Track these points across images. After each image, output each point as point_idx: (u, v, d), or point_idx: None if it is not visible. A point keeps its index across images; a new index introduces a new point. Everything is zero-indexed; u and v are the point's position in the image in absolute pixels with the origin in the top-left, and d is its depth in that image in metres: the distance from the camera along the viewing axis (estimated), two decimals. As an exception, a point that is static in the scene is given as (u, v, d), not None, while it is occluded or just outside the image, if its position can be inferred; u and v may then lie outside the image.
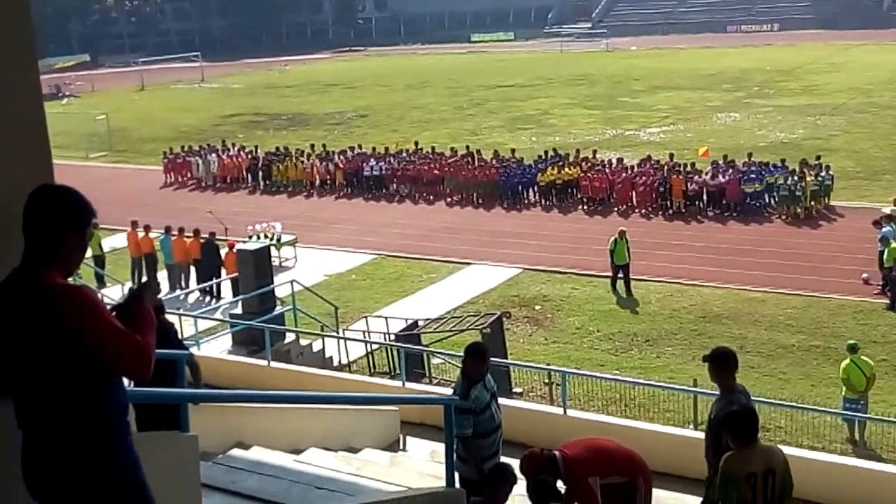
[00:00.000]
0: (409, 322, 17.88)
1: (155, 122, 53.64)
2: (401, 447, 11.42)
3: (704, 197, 28.02)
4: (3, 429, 3.61)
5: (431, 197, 31.78)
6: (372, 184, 33.11)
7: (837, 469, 10.39)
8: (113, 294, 20.28)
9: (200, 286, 22.69)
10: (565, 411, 11.87)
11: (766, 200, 27.72)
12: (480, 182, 30.90)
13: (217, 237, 23.07)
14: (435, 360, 16.77)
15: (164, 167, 37.65)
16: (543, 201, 30.18)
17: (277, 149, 37.14)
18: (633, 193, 28.77)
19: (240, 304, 17.75)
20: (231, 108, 58.05)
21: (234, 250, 19.91)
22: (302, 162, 34.91)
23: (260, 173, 35.55)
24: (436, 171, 32.12)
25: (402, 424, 11.64)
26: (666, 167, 29.09)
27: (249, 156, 36.63)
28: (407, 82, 65.61)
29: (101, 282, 22.57)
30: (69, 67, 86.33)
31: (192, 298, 22.58)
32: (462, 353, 7.75)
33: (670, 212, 27.96)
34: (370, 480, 8.48)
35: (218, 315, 19.48)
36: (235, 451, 8.94)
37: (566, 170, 30.15)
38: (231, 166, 36.10)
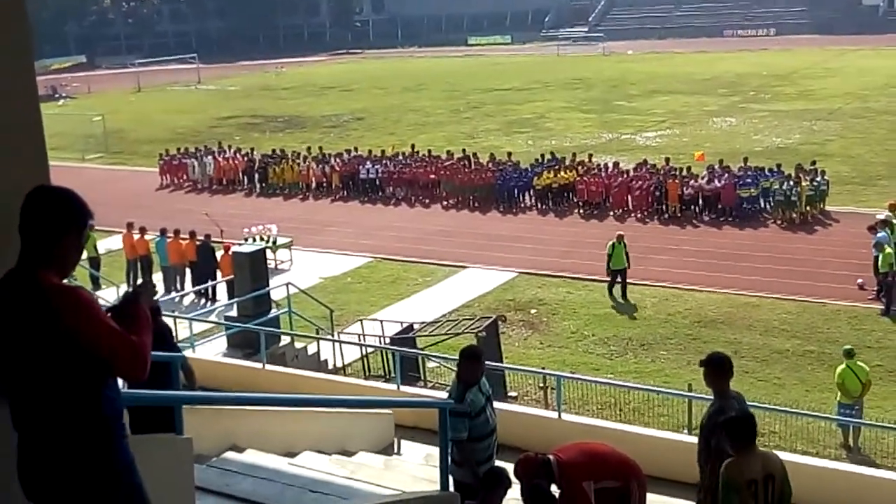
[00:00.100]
0: (405, 325, 17.87)
1: (151, 123, 53.59)
2: (395, 451, 11.42)
3: (700, 201, 28.06)
4: (3, 431, 3.61)
5: (427, 200, 31.78)
6: (368, 186, 33.11)
7: (831, 474, 10.40)
8: (108, 296, 20.26)
9: (196, 288, 22.68)
10: (560, 415, 11.88)
11: (762, 205, 27.76)
12: (476, 185, 30.91)
13: (213, 239, 23.07)
14: (430, 364, 16.77)
15: (161, 169, 37.62)
16: (539, 205, 30.20)
17: (274, 151, 37.12)
18: (629, 197, 28.80)
19: (235, 306, 17.74)
20: (227, 110, 58.03)
21: (230, 253, 19.89)
22: (298, 164, 34.90)
23: (256, 175, 35.52)
24: (432, 175, 32.13)
25: (396, 428, 11.64)
26: (662, 171, 29.14)
27: (246, 158, 36.61)
28: (404, 85, 65.63)
29: (96, 284, 22.52)
30: (66, 69, 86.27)
31: (187, 301, 22.57)
32: (457, 357, 7.75)
33: (666, 216, 27.99)
34: (364, 484, 8.48)
35: (213, 317, 19.45)
36: (230, 454, 8.94)
37: (562, 173, 30.17)
38: (227, 168, 36.07)
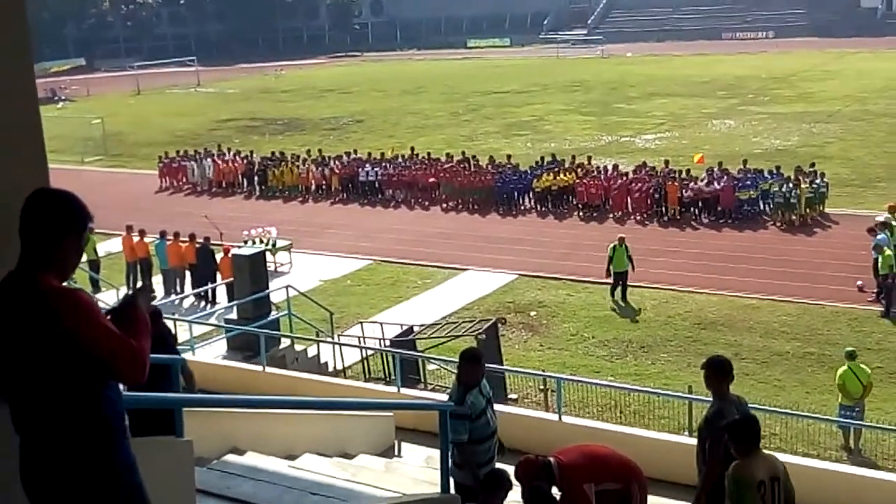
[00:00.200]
0: (405, 328, 17.87)
1: (150, 126, 53.61)
2: (396, 453, 11.40)
3: (699, 204, 28.07)
4: (3, 431, 3.61)
5: (427, 202, 31.78)
6: (367, 189, 33.12)
7: (832, 476, 10.39)
8: (108, 299, 20.25)
9: (195, 291, 22.68)
10: (560, 417, 11.86)
11: (761, 207, 27.78)
12: (476, 188, 30.92)
13: (212, 242, 23.06)
14: (430, 366, 16.77)
15: (160, 172, 37.63)
16: (539, 207, 30.21)
17: (273, 154, 37.12)
18: (629, 200, 28.81)
19: (235, 309, 17.72)
20: (227, 112, 58.05)
21: (230, 255, 19.89)
22: (298, 167, 34.91)
23: (255, 178, 35.52)
24: (431, 177, 32.13)
25: (396, 430, 11.62)
26: (661, 174, 29.14)
27: (245, 161, 36.61)
28: (403, 88, 65.66)
29: (95, 286, 22.53)
30: (65, 71, 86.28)
31: (187, 303, 22.56)
32: (457, 359, 7.74)
33: (665, 218, 28.00)
34: (365, 486, 8.47)
35: (213, 320, 19.46)
36: (230, 457, 8.92)
37: (562, 176, 30.18)
38: (227, 171, 36.07)
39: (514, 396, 15.68)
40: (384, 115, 53.17)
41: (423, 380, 16.39)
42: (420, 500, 7.30)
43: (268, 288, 17.80)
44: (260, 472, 8.34)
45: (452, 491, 7.15)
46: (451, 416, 7.10)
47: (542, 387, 15.48)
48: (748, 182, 27.79)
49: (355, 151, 35.88)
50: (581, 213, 29.17)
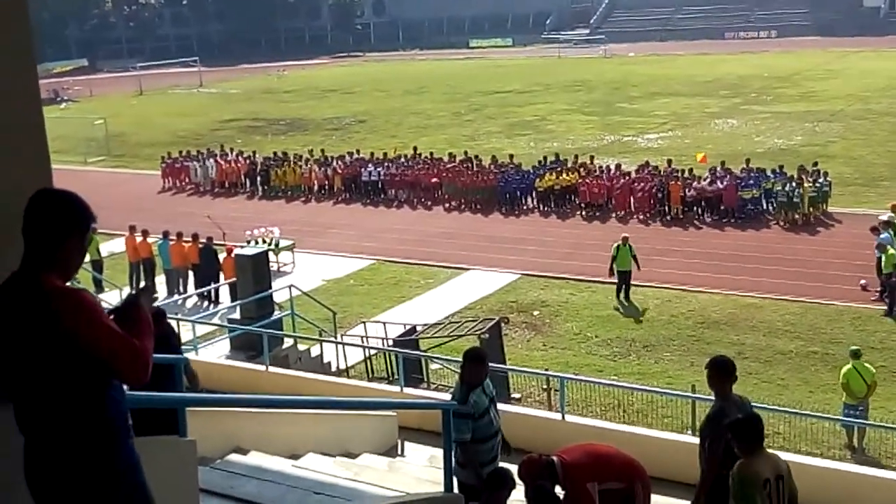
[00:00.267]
0: (408, 327, 17.89)
1: (153, 126, 53.66)
2: (399, 452, 11.41)
3: (702, 203, 28.05)
4: (2, 432, 3.61)
5: (429, 202, 31.79)
6: (370, 189, 33.13)
7: (836, 475, 10.38)
8: (111, 299, 20.26)
9: (198, 291, 22.69)
10: (563, 417, 11.86)
11: (764, 207, 27.75)
12: (479, 187, 30.91)
13: (215, 242, 23.07)
14: (433, 366, 16.77)
15: (163, 172, 37.67)
16: (542, 207, 30.20)
17: (276, 154, 37.14)
18: (632, 199, 28.80)
19: (238, 308, 17.75)
20: (229, 113, 58.08)
21: (233, 255, 19.90)
22: (300, 167, 34.92)
23: (258, 178, 35.54)
24: (434, 177, 32.13)
25: (400, 430, 11.63)
26: (664, 173, 29.12)
27: (248, 161, 36.63)
28: (405, 88, 65.67)
29: (99, 286, 22.55)
30: (67, 72, 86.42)
31: (190, 303, 22.59)
32: (460, 359, 7.74)
33: (668, 218, 27.99)
34: (368, 486, 8.47)
35: (216, 320, 19.46)
36: (233, 456, 8.93)
37: (564, 175, 30.17)
38: (229, 171, 36.09)
39: (517, 396, 15.68)
40: (387, 115, 53.18)
41: (426, 379, 16.38)
42: (423, 499, 7.29)
43: (271, 288, 17.82)
44: (263, 471, 8.35)
45: (456, 490, 7.14)
46: (454, 415, 7.10)
47: (545, 386, 15.49)
48: (751, 181, 27.77)
49: (358, 151, 35.90)
50: (584, 213, 29.15)
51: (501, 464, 7.39)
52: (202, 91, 72.90)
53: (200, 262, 22.68)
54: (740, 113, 46.76)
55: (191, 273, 23.20)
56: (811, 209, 26.83)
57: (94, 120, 48.64)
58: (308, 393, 12.81)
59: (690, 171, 28.90)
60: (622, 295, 21.22)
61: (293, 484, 8.00)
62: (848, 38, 79.14)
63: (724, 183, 27.70)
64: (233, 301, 19.56)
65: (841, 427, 13.91)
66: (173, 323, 13.60)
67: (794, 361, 17.54)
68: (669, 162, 30.59)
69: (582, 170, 30.61)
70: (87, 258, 19.60)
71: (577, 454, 6.88)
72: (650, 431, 12.15)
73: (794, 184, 26.82)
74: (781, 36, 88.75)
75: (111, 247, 25.93)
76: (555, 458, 6.75)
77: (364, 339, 18.20)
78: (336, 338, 18.07)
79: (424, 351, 16.87)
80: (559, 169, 30.78)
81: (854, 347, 14.83)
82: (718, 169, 28.54)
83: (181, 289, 23.22)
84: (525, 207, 30.45)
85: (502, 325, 17.63)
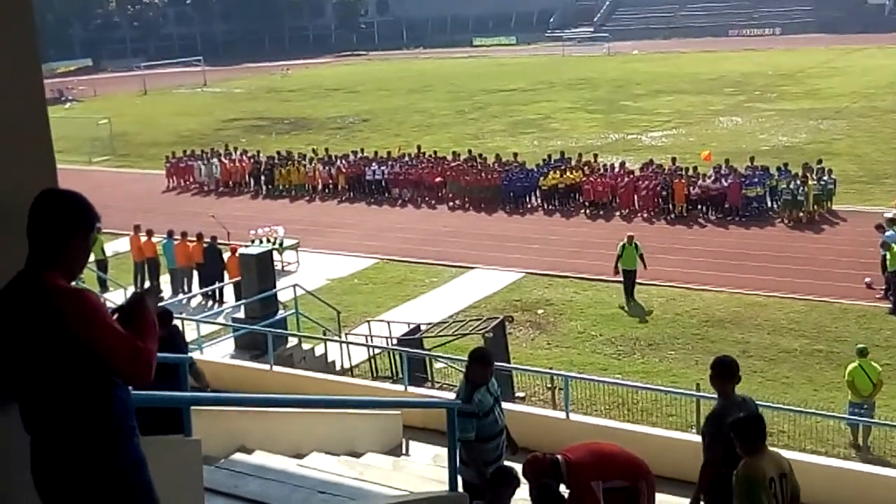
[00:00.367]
0: (412, 326, 17.88)
1: (157, 126, 53.72)
2: (403, 451, 11.41)
3: (707, 201, 28.01)
4: (3, 431, 3.62)
5: (433, 201, 31.79)
6: (374, 188, 33.14)
7: (840, 473, 10.37)
8: (115, 298, 20.28)
9: (203, 290, 22.71)
10: (568, 415, 11.86)
11: (769, 204, 27.72)
12: (483, 186, 30.90)
13: (219, 241, 23.09)
14: (437, 364, 16.78)
15: (167, 171, 37.70)
16: (546, 205, 30.18)
17: (280, 153, 37.14)
18: (636, 198, 28.78)
19: (242, 308, 17.75)
20: (233, 112, 58.13)
21: (237, 254, 19.92)
22: (304, 166, 34.94)
23: (262, 177, 35.54)
24: (438, 176, 32.12)
25: (404, 428, 11.63)
26: (668, 171, 29.09)
27: (252, 160, 36.65)
28: (409, 86, 65.67)
29: (103, 286, 22.59)
30: (72, 72, 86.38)
31: (194, 303, 22.61)
32: (464, 357, 7.74)
33: (672, 216, 27.96)
34: (373, 485, 8.48)
35: (220, 319, 19.47)
36: (238, 456, 8.94)
37: (568, 174, 30.15)
38: (233, 171, 36.12)
39: (521, 394, 15.67)
40: (390, 114, 53.19)
41: (430, 378, 16.39)
42: (428, 498, 7.30)
43: (275, 287, 17.81)
44: (268, 470, 8.36)
45: (460, 489, 7.15)
46: (459, 414, 7.11)
47: (549, 385, 15.48)
48: (755, 179, 27.73)
49: (362, 150, 35.92)
50: (588, 211, 29.13)
51: (507, 462, 7.40)
52: (206, 90, 72.96)
53: (205, 261, 22.71)
54: (744, 111, 46.70)
55: (195, 272, 23.22)
56: (816, 207, 26.79)
57: (99, 120, 48.70)
58: (312, 392, 12.83)
59: (695, 169, 28.86)
60: (627, 294, 21.16)
61: (298, 483, 8.01)
62: (852, 36, 79.07)
63: (729, 181, 27.67)
64: (237, 300, 19.58)
65: (846, 425, 13.89)
66: (178, 322, 13.63)
67: (798, 360, 17.52)
68: (674, 160, 30.56)
69: (586, 168, 30.59)
70: (92, 258, 19.65)
71: (582, 453, 6.87)
72: (654, 430, 12.15)
73: (798, 181, 26.78)
74: (785, 33, 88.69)
75: (116, 246, 25.97)
76: (559, 456, 6.75)
77: (368, 338, 18.21)
78: (340, 337, 18.07)
79: (429, 350, 16.87)
80: (563, 167, 30.76)
81: (860, 345, 14.80)
82: (723, 167, 28.50)
83: (186, 288, 23.24)
84: (529, 206, 30.44)
85: (506, 323, 17.63)
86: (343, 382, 14.31)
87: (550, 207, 29.99)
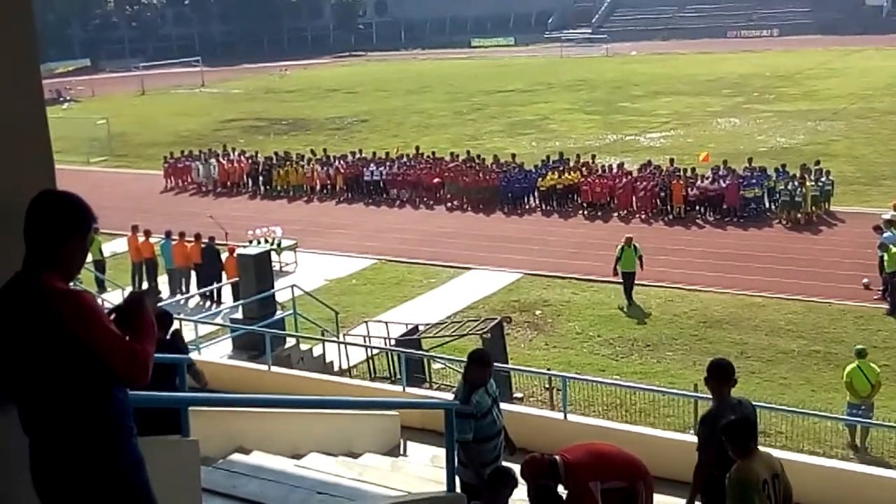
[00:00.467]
0: (410, 327, 17.88)
1: (155, 126, 53.70)
2: (401, 452, 11.41)
3: (705, 202, 28.03)
4: (3, 431, 3.62)
5: (432, 202, 31.79)
6: (372, 189, 33.14)
7: (838, 474, 10.38)
8: (113, 298, 20.27)
9: (201, 291, 22.72)
10: (566, 416, 11.86)
11: (767, 206, 27.74)
12: (481, 187, 30.90)
13: (217, 242, 23.08)
14: (435, 365, 16.78)
15: (165, 172, 37.69)
16: (544, 206, 30.19)
17: (278, 154, 37.14)
18: (634, 199, 28.79)
19: (240, 308, 17.75)
20: (231, 112, 58.11)
21: (235, 255, 19.92)
22: (302, 167, 34.94)
23: (260, 178, 35.55)
24: (436, 177, 32.12)
25: (402, 429, 11.63)
26: (666, 172, 29.11)
27: (250, 161, 36.65)
28: (407, 87, 65.68)
29: (101, 286, 22.58)
30: (70, 72, 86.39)
31: (192, 303, 22.61)
32: (462, 358, 7.75)
33: (671, 217, 27.98)
34: (371, 485, 8.47)
35: (218, 320, 19.47)
36: (236, 456, 8.94)
37: (567, 175, 30.16)
38: (232, 171, 36.11)
39: (519, 395, 15.67)
40: (389, 115, 53.19)
41: (428, 379, 16.39)
42: (426, 498, 7.30)
43: (273, 287, 17.81)
44: (266, 471, 8.35)
45: (458, 490, 7.15)
46: (457, 415, 7.10)
47: (547, 385, 15.49)
48: (753, 180, 27.75)
49: (360, 151, 35.91)
50: (586, 212, 29.14)
51: (505, 463, 7.40)
52: (204, 91, 72.94)
53: (203, 261, 22.70)
54: (742, 112, 46.73)
55: (193, 273, 23.22)
56: (813, 208, 26.81)
57: (97, 120, 48.68)
58: (310, 393, 12.82)
59: (693, 170, 28.89)
60: (626, 295, 21.15)
61: (296, 484, 8.00)
62: (850, 37, 79.14)
63: (727, 182, 27.69)
64: (235, 301, 19.58)
65: (843, 426, 13.91)
66: (175, 322, 13.62)
67: (796, 361, 17.53)
68: (672, 161, 30.58)
69: (584, 169, 30.59)
70: (90, 258, 19.63)
71: (580, 453, 6.88)
72: (652, 431, 12.15)
73: (796, 183, 26.80)
74: (784, 35, 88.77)
75: (114, 247, 25.96)
76: (557, 457, 6.75)
77: (366, 338, 18.21)
78: (338, 337, 18.07)
79: (427, 350, 16.86)
80: (561, 168, 30.77)
81: (859, 347, 14.81)
82: (721, 168, 28.52)
83: (184, 289, 23.24)
84: (527, 207, 30.45)
85: (504, 324, 17.62)
86: (341, 383, 14.31)
87: (548, 208, 30.00)
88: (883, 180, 31.06)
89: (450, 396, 8.80)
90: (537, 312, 20.76)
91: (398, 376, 14.78)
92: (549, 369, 15.88)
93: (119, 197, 33.84)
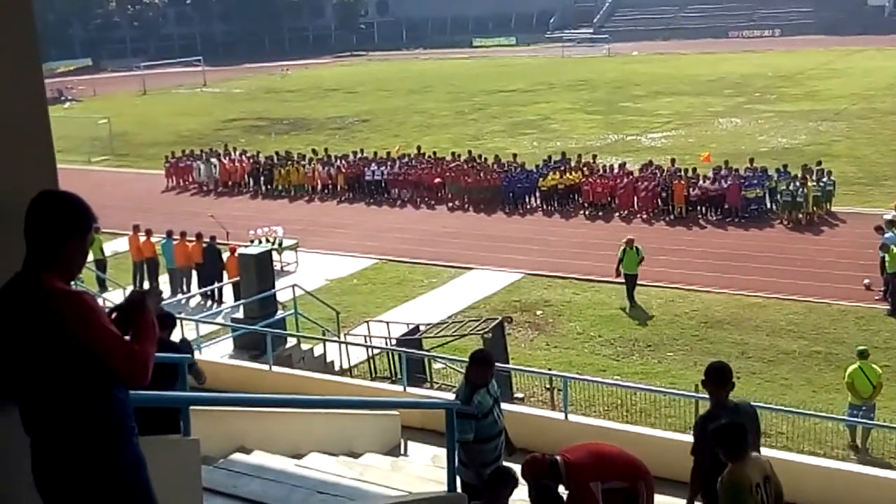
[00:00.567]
0: (411, 327, 17.88)
1: (157, 126, 53.71)
2: (402, 452, 11.42)
3: (706, 202, 28.02)
4: (3, 431, 3.62)
5: (433, 202, 31.79)
6: (373, 188, 33.13)
7: (839, 475, 10.38)
8: (114, 298, 20.29)
9: (202, 290, 22.72)
10: (566, 416, 11.87)
11: (768, 206, 27.72)
12: (482, 187, 30.90)
13: (218, 241, 23.09)
14: (436, 365, 16.79)
15: (166, 171, 37.69)
16: (545, 206, 30.18)
17: (279, 153, 37.14)
18: (635, 199, 28.79)
19: (241, 308, 17.75)
20: (233, 112, 58.11)
21: (236, 254, 19.93)
22: (303, 166, 34.94)
23: (262, 178, 35.54)
24: (437, 177, 32.11)
25: (403, 429, 11.64)
26: (667, 172, 29.10)
27: (251, 160, 36.65)
28: (409, 87, 65.66)
29: (102, 286, 22.59)
30: (71, 72, 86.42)
31: (193, 302, 22.61)
32: (463, 358, 7.76)
33: (672, 217, 27.97)
34: (371, 485, 8.48)
35: (219, 319, 19.47)
36: (237, 456, 8.94)
37: (568, 175, 30.16)
38: (233, 171, 36.11)
39: (520, 395, 15.67)
40: (390, 115, 53.18)
41: (429, 379, 16.39)
42: (426, 498, 7.30)
43: (274, 287, 17.82)
44: (266, 470, 8.36)
45: (459, 490, 7.15)
46: (458, 415, 7.10)
47: (548, 385, 15.49)
48: (755, 181, 27.74)
49: (361, 151, 35.91)
50: (587, 212, 29.14)
51: (504, 463, 7.40)
52: (206, 90, 72.94)
53: (204, 261, 22.71)
54: (744, 112, 46.71)
55: (194, 272, 23.22)
56: (815, 208, 26.80)
57: (98, 119, 48.69)
58: (311, 392, 12.83)
59: (694, 170, 28.88)
60: (626, 294, 21.12)
61: (296, 483, 8.01)
62: (852, 37, 79.09)
63: (728, 182, 27.68)
64: (236, 300, 19.58)
65: (844, 427, 13.90)
66: (182, 330, 13.63)
67: (797, 361, 17.53)
68: (673, 161, 30.57)
69: (585, 169, 30.59)
70: (91, 257, 19.65)
71: (581, 454, 6.87)
72: (653, 431, 12.15)
73: (797, 183, 26.79)
74: (785, 35, 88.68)
75: (115, 246, 25.96)
76: (558, 457, 6.75)
77: (367, 338, 18.21)
78: (339, 337, 18.07)
79: (428, 350, 16.87)
80: (562, 168, 30.77)
81: (861, 347, 14.80)
82: (722, 168, 28.50)
83: (185, 288, 23.24)
84: (528, 207, 30.44)
85: (505, 324, 17.62)
86: (342, 383, 14.32)
87: (550, 208, 30.00)
88: (884, 181, 31.03)
89: (450, 396, 8.81)
90: (538, 312, 20.76)
91: (399, 376, 14.78)
92: (549, 369, 15.89)
93: (120, 196, 33.85)
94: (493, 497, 6.67)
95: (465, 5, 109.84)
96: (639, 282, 21.36)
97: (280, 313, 17.69)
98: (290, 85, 72.94)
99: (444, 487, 7.18)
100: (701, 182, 28.09)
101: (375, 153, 34.98)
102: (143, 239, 23.72)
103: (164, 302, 20.46)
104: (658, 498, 7.24)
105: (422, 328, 17.84)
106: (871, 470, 11.01)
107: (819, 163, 28.88)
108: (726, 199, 27.58)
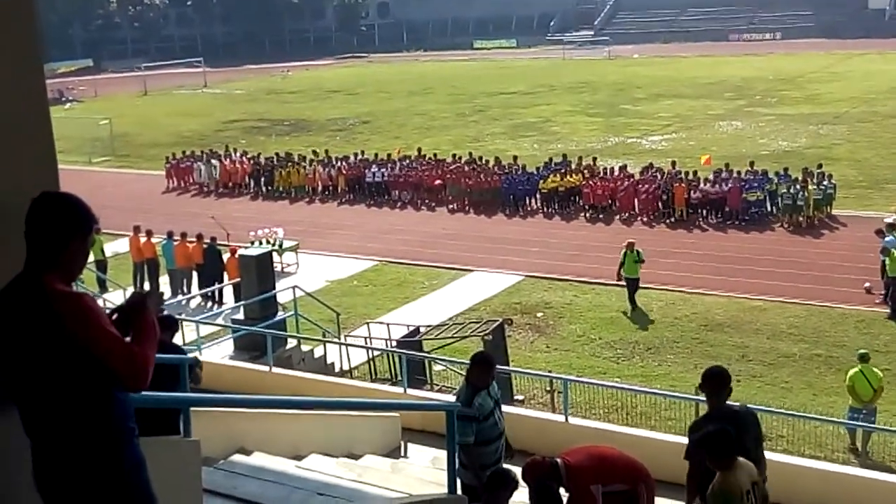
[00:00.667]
0: (411, 328, 17.88)
1: (157, 127, 53.73)
2: (402, 454, 11.40)
3: (706, 205, 28.02)
4: (3, 431, 3.62)
5: (433, 203, 31.79)
6: (374, 190, 33.14)
7: (839, 478, 10.36)
8: (115, 299, 20.28)
9: (202, 291, 22.71)
10: (567, 419, 11.85)
11: (768, 209, 27.72)
12: (482, 189, 30.91)
13: (219, 242, 23.09)
14: (437, 367, 16.78)
15: (167, 172, 37.71)
16: (545, 208, 30.19)
17: (279, 154, 37.16)
18: (636, 201, 28.78)
19: (242, 309, 17.74)
20: (233, 113, 58.14)
21: (237, 256, 19.92)
22: (304, 168, 34.96)
23: (262, 179, 35.56)
24: (438, 179, 32.12)
25: (403, 431, 11.63)
26: (668, 175, 29.11)
27: (252, 161, 36.67)
28: (409, 89, 65.69)
29: (102, 286, 22.59)
30: (72, 72, 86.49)
31: (193, 304, 22.59)
32: (463, 360, 7.75)
33: (672, 220, 27.96)
34: (371, 487, 8.47)
35: (220, 320, 19.45)
36: (237, 457, 8.94)
37: (568, 177, 30.16)
38: (233, 172, 36.12)
39: (520, 397, 15.66)
40: (390, 116, 53.21)
41: (429, 380, 16.38)
42: (426, 500, 7.30)
43: (274, 288, 17.82)
44: (266, 472, 8.36)
45: (459, 492, 7.14)
46: (458, 417, 7.09)
47: (548, 388, 15.47)
48: (755, 183, 27.74)
49: (362, 152, 35.93)
50: (588, 215, 29.14)
51: (504, 466, 7.39)
52: (206, 91, 72.98)
53: (204, 262, 22.71)
54: (745, 115, 46.72)
55: (195, 273, 23.23)
56: (815, 212, 26.80)
57: (99, 120, 48.72)
58: (311, 394, 12.81)
59: (695, 173, 28.89)
60: (627, 298, 21.09)
61: (296, 485, 8.00)
62: (852, 40, 79.06)
63: (729, 185, 27.69)
64: (236, 301, 19.58)
65: (845, 431, 13.89)
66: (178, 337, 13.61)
67: (797, 364, 17.52)
68: (673, 164, 30.56)
69: (586, 171, 30.60)
70: (91, 258, 19.63)
71: (581, 456, 6.86)
72: (653, 434, 12.14)
73: (798, 186, 26.79)
74: (786, 38, 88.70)
75: (115, 247, 25.96)
76: (558, 460, 6.74)
77: (368, 340, 18.21)
78: (339, 339, 18.08)
79: (428, 352, 16.87)
80: (563, 170, 30.77)
81: (862, 351, 14.79)
82: (723, 171, 28.51)
83: (185, 289, 23.24)
84: (529, 209, 30.45)
85: (506, 326, 17.61)
86: (342, 384, 14.30)
87: (550, 210, 30.00)
88: (885, 184, 31.03)
89: (451, 398, 8.80)
90: (538, 314, 20.75)
91: (399, 378, 14.77)
92: (550, 371, 15.90)
93: (121, 197, 33.85)
94: (493, 499, 6.66)
95: (466, 7, 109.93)
96: (640, 285, 21.33)
97: (280, 314, 17.68)
98: (291, 86, 72.99)
99: (445, 489, 7.18)
100: (701, 185, 28.10)
101: (376, 155, 35.01)
102: (143, 240, 23.71)
103: (164, 303, 20.44)
104: (658, 500, 7.24)
105: (422, 330, 17.85)
106: (871, 473, 11.00)
107: (820, 166, 28.88)
108: (727, 202, 27.58)
